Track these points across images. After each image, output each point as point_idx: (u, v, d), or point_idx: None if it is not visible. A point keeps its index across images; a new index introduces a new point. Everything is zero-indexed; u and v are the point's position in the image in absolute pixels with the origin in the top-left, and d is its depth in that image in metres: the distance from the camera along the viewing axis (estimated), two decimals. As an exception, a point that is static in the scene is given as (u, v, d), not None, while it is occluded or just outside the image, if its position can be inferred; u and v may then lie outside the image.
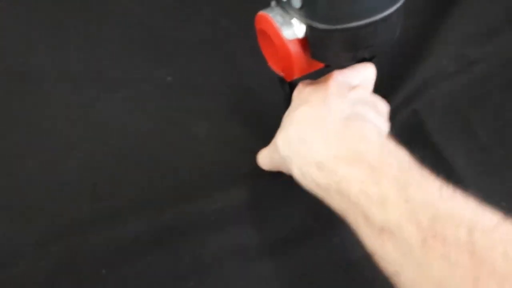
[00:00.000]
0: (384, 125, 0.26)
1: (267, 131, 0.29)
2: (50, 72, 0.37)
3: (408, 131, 0.32)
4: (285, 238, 0.29)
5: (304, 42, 0.23)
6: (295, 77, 0.25)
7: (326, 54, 0.24)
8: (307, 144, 0.24)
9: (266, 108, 0.34)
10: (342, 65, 0.26)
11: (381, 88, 0.28)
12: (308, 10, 0.22)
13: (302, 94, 0.26)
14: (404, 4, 0.22)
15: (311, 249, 0.28)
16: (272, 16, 0.23)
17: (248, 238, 0.28)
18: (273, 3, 0.24)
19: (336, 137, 0.23)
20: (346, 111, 0.24)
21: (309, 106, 0.25)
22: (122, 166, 0.31)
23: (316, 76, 0.27)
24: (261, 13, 0.24)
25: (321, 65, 0.26)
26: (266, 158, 0.29)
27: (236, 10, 0.39)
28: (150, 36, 0.38)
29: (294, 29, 0.23)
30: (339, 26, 0.21)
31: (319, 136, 0.24)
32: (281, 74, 0.26)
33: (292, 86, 0.28)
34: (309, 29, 0.22)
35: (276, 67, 0.26)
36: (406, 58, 0.35)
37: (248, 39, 0.28)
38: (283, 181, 0.29)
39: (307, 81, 0.27)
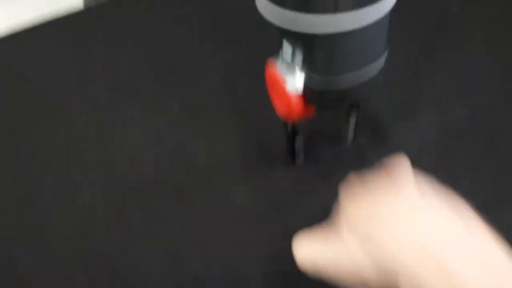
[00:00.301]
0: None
1: (270, 159, 0.33)
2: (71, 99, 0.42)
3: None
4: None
5: (303, 94, 0.28)
6: (293, 120, 0.30)
7: (318, 101, 0.28)
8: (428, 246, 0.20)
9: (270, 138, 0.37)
10: (332, 109, 0.32)
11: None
12: (307, 73, 0.27)
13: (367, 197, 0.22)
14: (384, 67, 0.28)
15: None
16: (280, 67, 0.28)
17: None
18: (284, 48, 0.29)
19: (460, 238, 0.20)
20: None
21: (404, 204, 0.21)
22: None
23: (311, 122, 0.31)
24: (271, 60, 0.29)
25: (312, 109, 0.30)
26: (319, 261, 0.22)
27: (237, 42, 0.44)
28: (161, 69, 0.43)
29: (296, 85, 0.28)
30: (332, 88, 0.26)
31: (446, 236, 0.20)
32: (283, 115, 0.31)
33: (293, 126, 0.32)
34: (307, 87, 0.27)
35: (279, 108, 0.31)
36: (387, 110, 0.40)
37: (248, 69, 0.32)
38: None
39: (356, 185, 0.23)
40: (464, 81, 0.40)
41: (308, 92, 0.28)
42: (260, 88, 0.31)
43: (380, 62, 0.28)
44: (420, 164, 0.25)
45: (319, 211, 0.26)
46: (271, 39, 0.28)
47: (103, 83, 0.42)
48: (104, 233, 0.33)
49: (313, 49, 0.26)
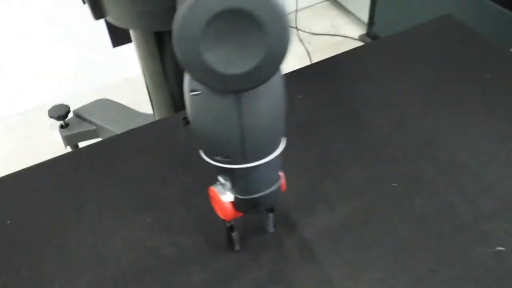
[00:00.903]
0: None
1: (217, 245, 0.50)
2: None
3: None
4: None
5: (232, 203, 0.46)
6: (229, 219, 0.48)
7: (244, 209, 0.47)
8: None
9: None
10: (253, 213, 0.50)
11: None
12: (233, 191, 0.45)
13: None
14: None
15: None
16: (217, 189, 0.47)
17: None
18: (219, 178, 0.47)
19: None
20: None
21: None
22: None
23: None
24: (211, 187, 0.47)
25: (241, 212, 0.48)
26: None
27: (196, 169, 0.62)
28: (137, 192, 0.61)
29: (227, 197, 0.46)
30: (248, 197, 0.45)
31: None
32: (222, 217, 0.48)
33: (229, 223, 0.50)
34: (235, 197, 0.46)
35: (219, 214, 0.49)
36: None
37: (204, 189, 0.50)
38: None
39: None
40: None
41: (235, 202, 0.46)
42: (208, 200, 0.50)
43: (278, 183, 0.47)
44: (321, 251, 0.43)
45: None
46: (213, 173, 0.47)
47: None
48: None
49: (233, 179, 0.45)
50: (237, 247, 0.52)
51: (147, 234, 0.55)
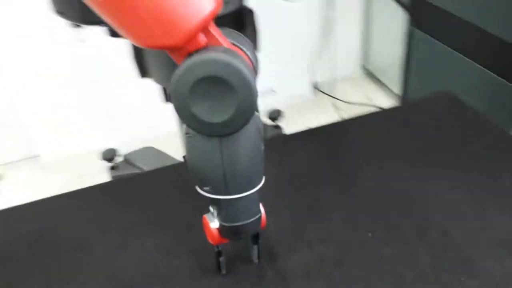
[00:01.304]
0: None
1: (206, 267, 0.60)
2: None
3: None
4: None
5: (218, 229, 0.56)
6: (216, 244, 0.58)
7: (228, 235, 0.57)
8: None
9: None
10: (235, 240, 0.59)
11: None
12: (219, 218, 0.56)
13: None
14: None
15: None
16: (207, 217, 0.57)
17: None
18: (210, 208, 0.58)
19: None
20: None
21: None
22: None
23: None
24: (204, 215, 0.58)
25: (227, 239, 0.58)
26: None
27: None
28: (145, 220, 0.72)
29: (215, 224, 0.56)
30: (230, 224, 0.55)
31: None
32: (211, 241, 0.58)
33: (217, 247, 0.60)
34: (220, 224, 0.56)
35: (208, 238, 0.59)
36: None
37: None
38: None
39: None
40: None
41: (220, 229, 0.56)
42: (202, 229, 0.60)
43: (258, 215, 0.57)
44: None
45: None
46: (207, 205, 0.58)
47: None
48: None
49: (219, 208, 0.55)
50: (223, 271, 0.62)
51: (152, 255, 0.66)
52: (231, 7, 0.70)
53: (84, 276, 0.64)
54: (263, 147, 0.53)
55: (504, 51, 1.31)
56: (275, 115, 1.56)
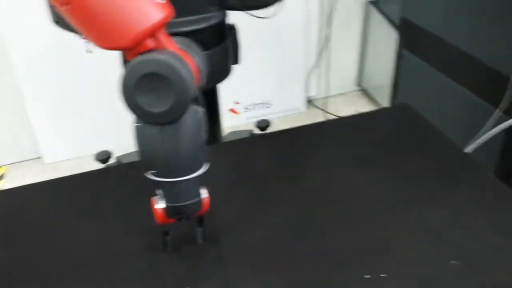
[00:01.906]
0: None
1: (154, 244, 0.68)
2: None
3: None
4: None
5: (163, 210, 0.64)
6: (160, 223, 0.66)
7: (171, 215, 0.64)
8: None
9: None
10: (179, 220, 0.67)
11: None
12: (164, 200, 0.63)
13: None
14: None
15: None
16: (154, 199, 0.65)
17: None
18: (157, 192, 0.65)
19: None
20: None
21: None
22: None
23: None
24: (152, 198, 0.66)
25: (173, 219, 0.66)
26: None
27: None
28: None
29: (160, 205, 0.64)
30: (173, 205, 0.63)
31: None
32: (159, 221, 0.66)
33: (166, 231, 0.68)
34: (166, 205, 0.64)
35: (156, 219, 0.66)
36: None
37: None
38: None
39: None
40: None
41: (165, 209, 0.64)
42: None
43: (198, 197, 0.64)
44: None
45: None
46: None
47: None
48: None
49: (163, 190, 0.63)
50: (168, 249, 0.69)
51: (108, 236, 0.74)
52: (213, 22, 0.84)
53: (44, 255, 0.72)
54: (204, 138, 0.61)
55: (491, 76, 1.36)
56: (263, 124, 1.65)
